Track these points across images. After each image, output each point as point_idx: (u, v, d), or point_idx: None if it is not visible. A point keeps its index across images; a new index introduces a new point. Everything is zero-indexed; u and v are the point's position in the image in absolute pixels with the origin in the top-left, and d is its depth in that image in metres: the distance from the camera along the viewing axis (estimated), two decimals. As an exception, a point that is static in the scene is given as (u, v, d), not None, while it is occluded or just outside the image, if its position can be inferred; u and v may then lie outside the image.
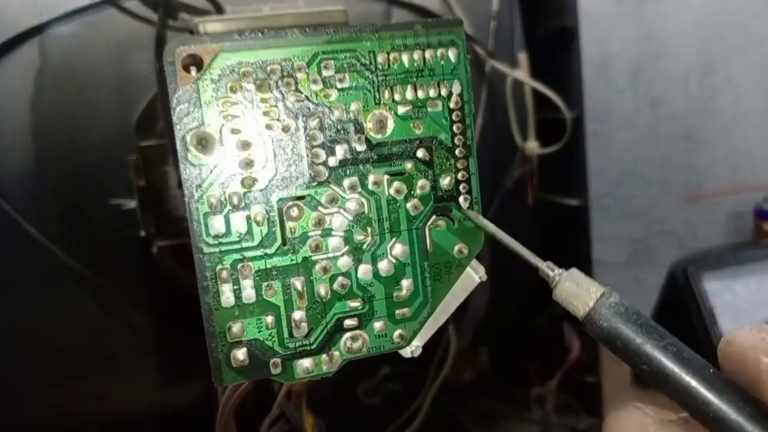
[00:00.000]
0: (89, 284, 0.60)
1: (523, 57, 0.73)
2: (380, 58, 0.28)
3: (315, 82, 0.27)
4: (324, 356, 0.28)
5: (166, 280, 0.58)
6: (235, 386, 0.43)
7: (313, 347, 0.28)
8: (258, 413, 0.48)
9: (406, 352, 0.29)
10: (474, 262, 0.30)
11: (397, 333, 0.29)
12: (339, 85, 0.27)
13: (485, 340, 0.83)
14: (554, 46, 0.75)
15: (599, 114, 0.97)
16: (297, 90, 0.27)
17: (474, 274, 0.30)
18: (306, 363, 0.28)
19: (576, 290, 0.26)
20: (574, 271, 0.27)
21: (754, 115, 1.05)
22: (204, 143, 0.26)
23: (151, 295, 0.60)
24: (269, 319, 0.27)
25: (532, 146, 0.73)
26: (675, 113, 1.02)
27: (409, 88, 0.28)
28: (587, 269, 0.75)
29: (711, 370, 0.24)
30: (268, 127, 0.26)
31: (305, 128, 0.27)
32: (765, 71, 1.03)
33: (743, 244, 0.98)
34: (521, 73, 0.73)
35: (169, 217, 0.56)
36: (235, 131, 0.26)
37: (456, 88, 0.28)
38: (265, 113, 0.26)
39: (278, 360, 0.27)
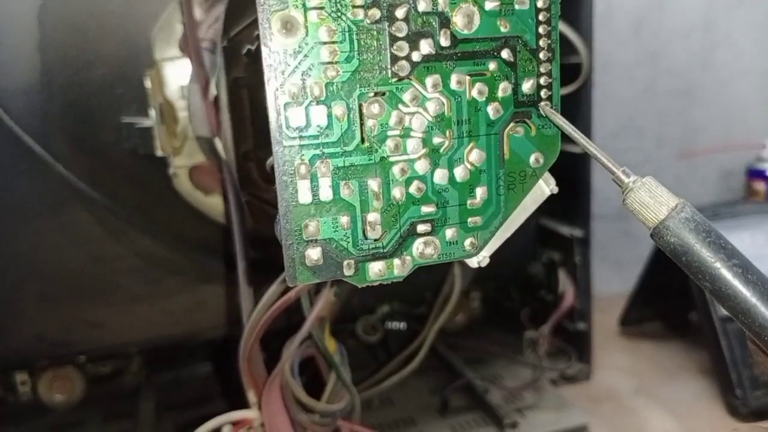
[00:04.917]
0: (95, 206, 0.57)
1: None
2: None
3: (404, -32, 0.25)
4: (396, 260, 0.27)
5: (181, 203, 0.56)
6: (261, 312, 0.42)
7: (386, 250, 0.27)
8: (275, 344, 0.47)
9: (473, 262, 0.29)
10: (546, 174, 0.29)
11: (468, 241, 0.28)
12: (428, -26, 0.26)
13: (477, 286, 0.84)
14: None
15: (599, 64, 0.96)
16: (385, -24, 0.25)
17: (545, 186, 0.29)
18: (378, 266, 0.27)
19: (648, 200, 0.25)
20: (649, 179, 0.26)
21: (751, 73, 1.05)
22: (288, 27, 0.24)
23: (162, 218, 0.58)
24: (345, 219, 0.26)
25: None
26: (674, 68, 1.02)
27: (498, -18, 0.26)
28: (586, 218, 0.75)
29: None
30: (354, 14, 0.25)
31: (390, 18, 0.25)
32: (766, 29, 1.03)
33: (735, 202, 0.99)
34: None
35: (188, 137, 0.54)
36: (321, 17, 0.24)
37: (544, -13, 0.27)
38: (352, -1, 0.25)
39: (352, 261, 0.26)
